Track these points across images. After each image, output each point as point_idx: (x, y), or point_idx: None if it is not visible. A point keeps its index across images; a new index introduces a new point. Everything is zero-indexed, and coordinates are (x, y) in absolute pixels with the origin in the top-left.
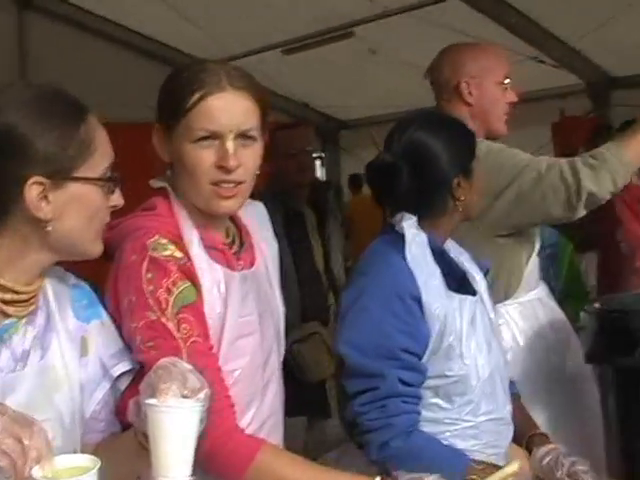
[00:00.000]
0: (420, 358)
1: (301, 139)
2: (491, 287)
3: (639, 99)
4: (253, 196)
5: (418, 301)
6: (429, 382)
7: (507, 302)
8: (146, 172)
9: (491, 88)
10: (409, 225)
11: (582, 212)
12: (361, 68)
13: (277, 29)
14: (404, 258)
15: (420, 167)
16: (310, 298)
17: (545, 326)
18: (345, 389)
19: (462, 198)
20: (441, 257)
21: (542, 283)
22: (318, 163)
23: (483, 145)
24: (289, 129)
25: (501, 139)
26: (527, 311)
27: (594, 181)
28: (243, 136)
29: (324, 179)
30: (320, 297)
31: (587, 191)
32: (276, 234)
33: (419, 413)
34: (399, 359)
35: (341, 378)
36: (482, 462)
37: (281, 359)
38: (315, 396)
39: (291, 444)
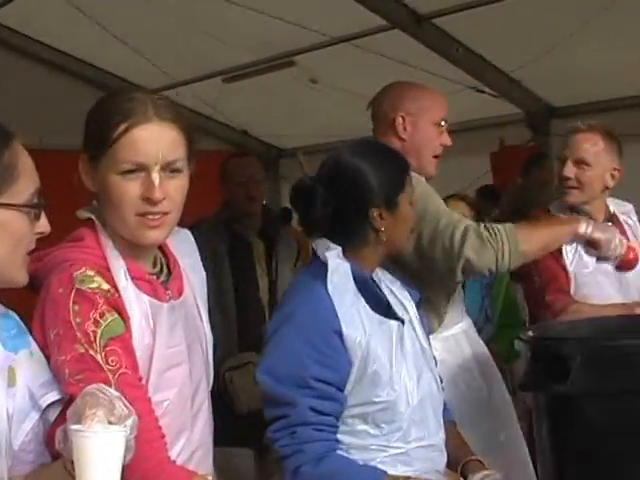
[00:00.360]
0: (339, 388)
1: (250, 168)
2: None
3: None
4: (200, 223)
5: (338, 333)
6: (356, 410)
7: (431, 336)
8: (79, 200)
9: (426, 127)
10: (333, 255)
11: (459, 276)
12: (302, 97)
13: (218, 57)
14: (326, 288)
15: (337, 193)
16: (248, 327)
17: (470, 359)
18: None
19: (382, 229)
20: (365, 286)
21: (467, 317)
22: None
23: (420, 185)
24: (239, 158)
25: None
26: (451, 344)
27: (476, 252)
28: (169, 168)
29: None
30: (259, 327)
31: (465, 258)
32: (218, 262)
33: (336, 440)
34: (312, 388)
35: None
36: (398, 477)
37: (210, 389)
38: (253, 428)
39: (241, 477)
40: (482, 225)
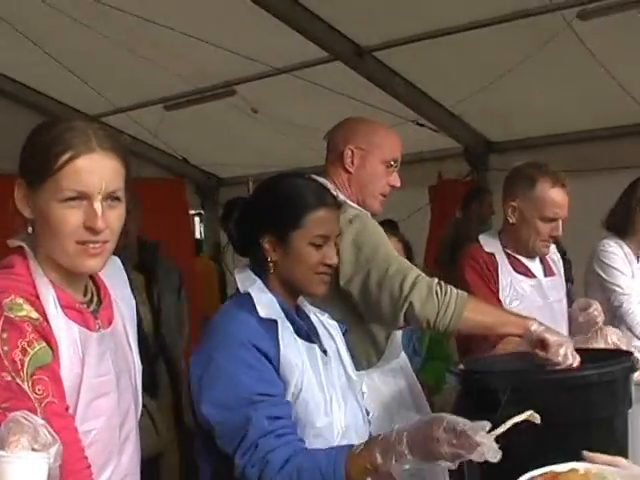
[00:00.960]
0: (283, 396)
1: None
2: (350, 348)
3: (514, 164)
4: None
5: (267, 355)
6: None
7: (370, 370)
8: (12, 226)
9: (374, 164)
10: (254, 288)
11: (401, 322)
12: (242, 126)
13: (160, 84)
14: (254, 314)
15: (244, 217)
16: None
17: (405, 391)
18: (225, 450)
19: (272, 260)
20: (289, 314)
21: (403, 352)
22: (197, 220)
23: (368, 223)
24: None
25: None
26: (389, 378)
27: (421, 301)
28: (110, 197)
29: (202, 236)
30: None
31: (410, 302)
32: None
33: (299, 440)
34: (261, 401)
35: (217, 440)
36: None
37: (138, 418)
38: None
39: None
40: (436, 280)
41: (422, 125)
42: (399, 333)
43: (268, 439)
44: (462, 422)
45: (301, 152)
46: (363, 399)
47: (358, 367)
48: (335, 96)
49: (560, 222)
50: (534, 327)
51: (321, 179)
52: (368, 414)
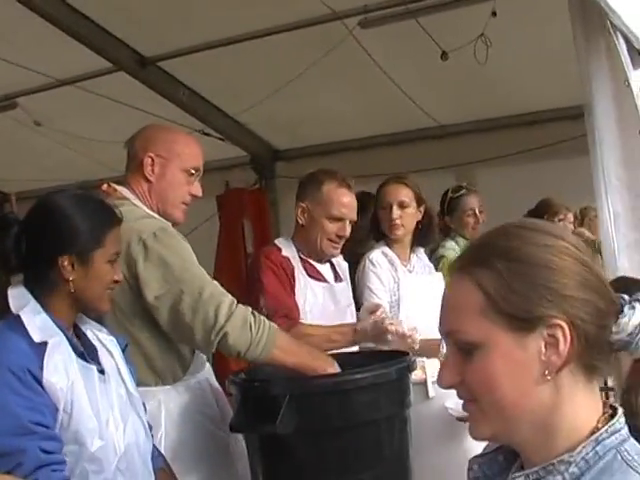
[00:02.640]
0: (53, 428)
1: None
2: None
3: (300, 171)
4: None
5: (38, 379)
6: (67, 458)
7: (176, 384)
8: None
9: (174, 172)
10: (26, 311)
11: (213, 349)
12: (25, 140)
13: None
14: (26, 337)
15: (31, 234)
16: None
17: (212, 403)
18: None
19: (71, 280)
20: (64, 334)
21: (208, 364)
22: None
23: (176, 240)
24: None
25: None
26: (196, 390)
27: (236, 332)
28: None
29: None
30: None
31: (225, 332)
32: None
33: (68, 478)
34: (35, 432)
35: None
36: None
37: None
38: None
39: None
40: (250, 310)
41: (208, 135)
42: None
43: (46, 471)
44: None
45: (87, 165)
46: (146, 414)
47: (164, 382)
48: (120, 107)
49: (347, 223)
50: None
51: (120, 188)
52: (151, 429)
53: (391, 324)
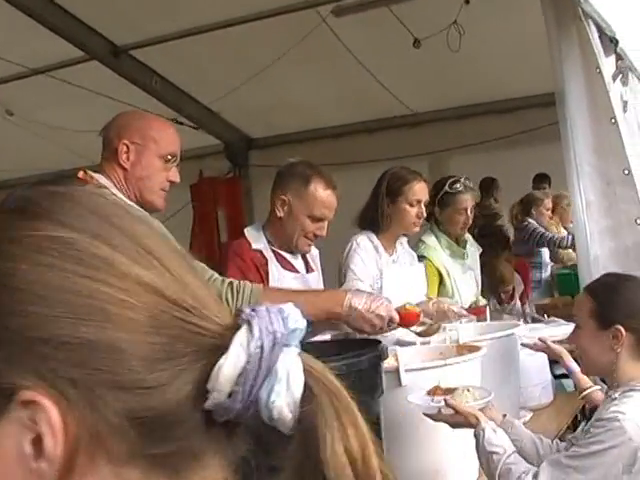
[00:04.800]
0: None
1: None
2: None
3: (274, 159)
4: None
5: None
6: None
7: None
8: None
9: (150, 159)
10: None
11: None
12: None
13: None
14: None
15: None
16: None
17: None
18: None
19: None
20: None
21: None
22: None
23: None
24: None
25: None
26: None
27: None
28: None
29: None
30: None
31: None
32: None
33: None
34: None
35: None
36: None
37: None
38: None
39: None
40: (227, 282)
41: (181, 123)
42: None
43: None
44: None
45: (60, 155)
46: None
47: None
48: (93, 96)
49: (325, 223)
50: (347, 304)
51: (97, 176)
52: None
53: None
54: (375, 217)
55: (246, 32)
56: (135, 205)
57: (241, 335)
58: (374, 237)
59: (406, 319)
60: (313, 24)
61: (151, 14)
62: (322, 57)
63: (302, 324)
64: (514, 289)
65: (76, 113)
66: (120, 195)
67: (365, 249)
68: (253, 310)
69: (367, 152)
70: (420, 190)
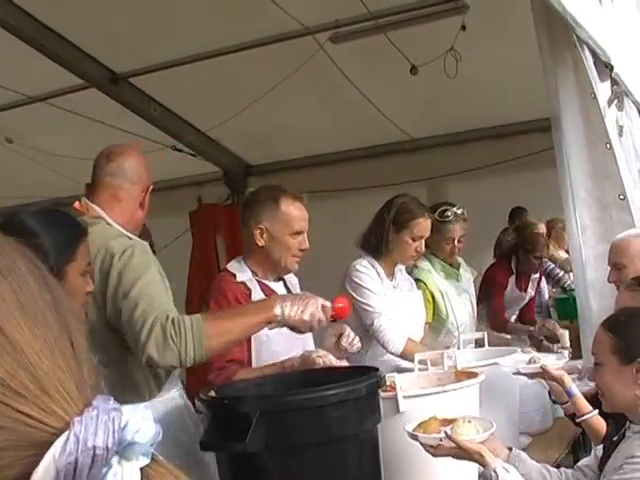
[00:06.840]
0: None
1: None
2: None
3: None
4: None
5: None
6: None
7: (153, 400)
8: None
9: (133, 194)
10: None
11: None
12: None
13: None
14: None
15: None
16: None
17: (185, 414)
18: None
19: None
20: None
21: (179, 381)
22: None
23: (144, 254)
24: None
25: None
26: (170, 405)
27: (159, 351)
28: None
29: None
30: None
31: (148, 355)
32: None
33: None
34: None
35: None
36: None
37: None
38: None
39: None
40: (170, 319)
41: (180, 150)
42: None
43: None
44: None
45: (59, 182)
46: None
47: (140, 399)
48: (92, 124)
49: (305, 235)
50: (278, 311)
51: (93, 206)
52: None
53: (318, 357)
54: (377, 243)
55: (244, 59)
56: (130, 235)
57: (57, 445)
58: (375, 262)
59: (338, 312)
60: (311, 51)
61: (150, 41)
62: (320, 84)
63: (145, 435)
64: (542, 260)
65: (75, 141)
66: (115, 226)
67: (367, 270)
68: (84, 413)
69: (365, 178)
70: (425, 227)
